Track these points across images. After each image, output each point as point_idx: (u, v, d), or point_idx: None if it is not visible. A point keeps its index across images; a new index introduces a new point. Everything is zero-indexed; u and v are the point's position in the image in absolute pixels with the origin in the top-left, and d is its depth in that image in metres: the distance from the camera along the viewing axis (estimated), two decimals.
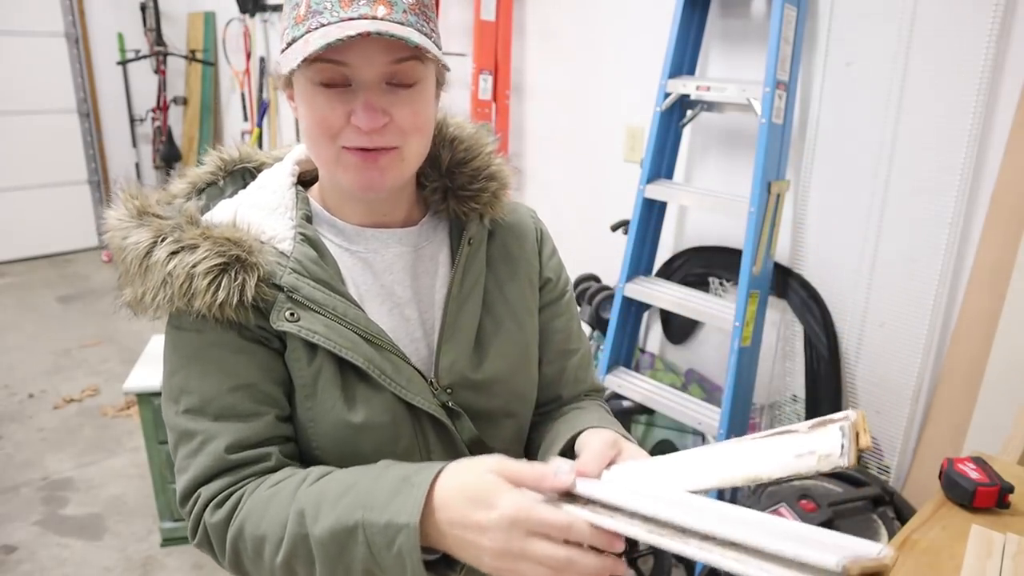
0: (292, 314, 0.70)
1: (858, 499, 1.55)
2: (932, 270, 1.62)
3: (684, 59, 1.91)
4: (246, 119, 4.43)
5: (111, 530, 2.25)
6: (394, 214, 0.80)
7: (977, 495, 1.04)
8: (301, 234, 0.74)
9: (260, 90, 4.24)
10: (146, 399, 2.03)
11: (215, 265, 0.67)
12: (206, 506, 0.70)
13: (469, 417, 0.79)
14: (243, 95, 4.39)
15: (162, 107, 4.85)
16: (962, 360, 1.59)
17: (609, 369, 2.02)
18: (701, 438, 2.05)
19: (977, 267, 1.56)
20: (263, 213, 0.75)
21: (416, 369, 0.76)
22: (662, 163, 1.97)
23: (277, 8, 3.94)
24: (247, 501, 0.68)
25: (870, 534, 1.49)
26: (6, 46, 4.50)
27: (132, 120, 5.03)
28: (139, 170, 5.12)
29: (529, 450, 0.90)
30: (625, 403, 1.95)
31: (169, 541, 2.15)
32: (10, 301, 4.15)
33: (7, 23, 4.48)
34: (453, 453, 0.78)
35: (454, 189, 0.82)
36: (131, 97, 4.98)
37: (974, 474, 1.07)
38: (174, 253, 0.67)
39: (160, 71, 4.78)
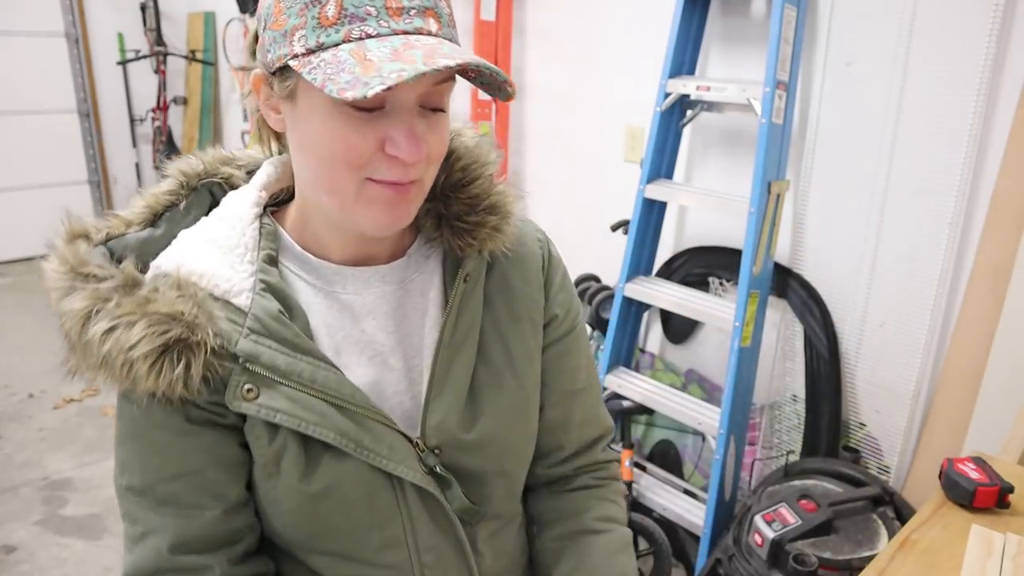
0: (250, 390, 0.62)
1: (858, 499, 1.55)
2: (932, 270, 1.62)
3: (684, 59, 1.91)
4: (246, 119, 4.43)
5: (111, 530, 2.25)
6: (383, 247, 0.71)
7: (977, 495, 1.05)
8: (262, 282, 0.64)
9: None
10: None
11: (154, 348, 0.58)
12: None
13: (458, 479, 0.71)
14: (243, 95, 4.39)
15: (162, 107, 4.85)
16: (962, 360, 1.59)
17: (609, 369, 2.02)
18: (701, 438, 2.05)
19: (977, 267, 1.56)
20: (219, 255, 0.64)
21: (399, 432, 0.67)
22: (662, 163, 1.97)
23: None
24: None
25: (870, 534, 1.49)
26: (6, 46, 4.50)
27: (132, 120, 5.03)
28: (139, 170, 5.12)
29: (529, 521, 0.84)
30: (625, 403, 1.95)
31: None
32: (10, 301, 4.15)
33: (7, 23, 4.48)
34: (441, 523, 0.71)
35: (448, 218, 0.71)
36: (131, 97, 4.98)
37: (974, 474, 1.07)
38: (109, 331, 0.58)
39: (160, 71, 4.78)
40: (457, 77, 0.62)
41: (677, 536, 2.01)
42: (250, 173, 0.75)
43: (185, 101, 4.91)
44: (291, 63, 0.57)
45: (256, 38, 0.64)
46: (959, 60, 1.52)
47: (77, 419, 2.90)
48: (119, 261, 0.64)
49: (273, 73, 0.61)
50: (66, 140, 4.87)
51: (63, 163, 4.89)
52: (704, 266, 2.07)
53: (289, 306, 0.66)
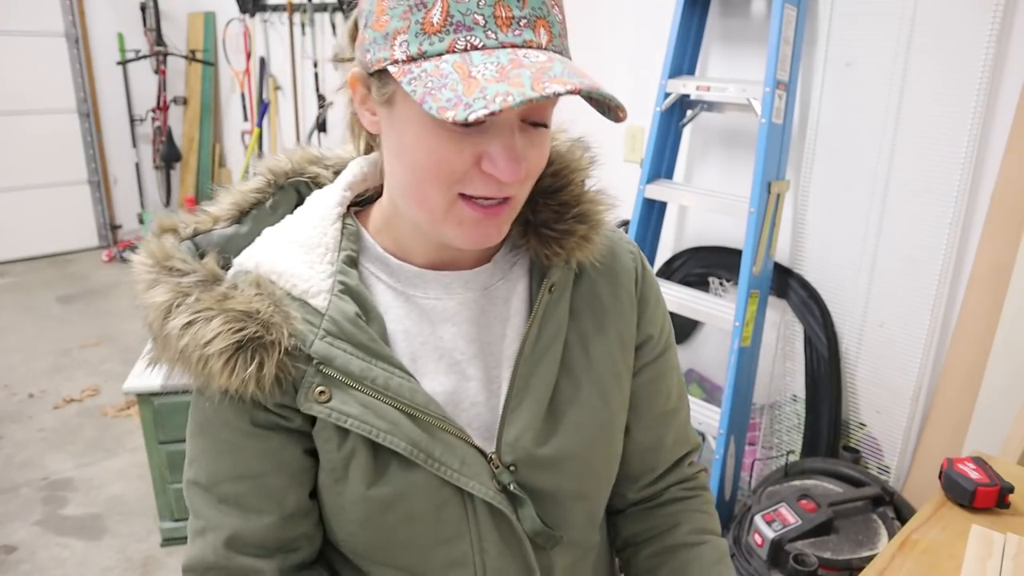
0: (322, 392, 0.61)
1: (858, 499, 1.55)
2: (932, 270, 1.62)
3: (684, 59, 1.91)
4: (246, 119, 4.43)
5: (111, 530, 2.25)
6: (468, 252, 0.68)
7: (977, 495, 1.05)
8: (341, 283, 0.63)
9: (260, 90, 4.24)
10: (146, 399, 2.03)
11: (229, 344, 0.58)
12: None
13: (532, 499, 0.67)
14: (243, 95, 4.39)
15: (162, 107, 4.85)
16: (962, 360, 1.59)
17: None
18: (701, 438, 2.05)
19: (977, 267, 1.56)
20: (299, 254, 0.64)
21: (473, 445, 0.65)
22: (662, 163, 1.97)
23: (277, 8, 3.94)
24: None
25: (870, 534, 1.49)
26: (6, 46, 4.50)
27: (132, 120, 5.03)
28: (139, 170, 5.12)
29: (621, 546, 0.81)
30: None
31: (169, 541, 2.15)
32: (10, 301, 4.15)
33: (7, 23, 4.48)
34: (511, 542, 0.67)
35: (535, 225, 0.68)
36: (131, 97, 4.98)
37: (974, 474, 1.07)
38: (188, 324, 0.59)
39: (160, 71, 4.78)
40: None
41: None
42: (337, 173, 0.73)
43: (185, 101, 4.92)
44: (391, 69, 0.55)
45: (355, 30, 0.61)
46: (959, 60, 1.52)
47: (77, 419, 2.90)
48: (204, 256, 0.64)
49: (371, 75, 0.58)
50: (66, 140, 4.87)
51: (63, 163, 4.89)
52: (704, 266, 2.07)
53: (367, 309, 0.64)
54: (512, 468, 0.66)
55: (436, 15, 0.52)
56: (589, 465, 0.70)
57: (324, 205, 0.67)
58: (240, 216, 0.69)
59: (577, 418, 0.68)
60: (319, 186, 0.72)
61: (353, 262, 0.66)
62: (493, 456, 0.65)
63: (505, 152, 0.55)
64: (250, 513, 0.64)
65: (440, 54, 0.52)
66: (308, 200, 0.69)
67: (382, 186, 0.69)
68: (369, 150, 0.73)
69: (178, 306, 0.59)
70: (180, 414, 2.04)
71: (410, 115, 0.56)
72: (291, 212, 0.70)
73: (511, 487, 0.65)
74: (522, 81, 0.50)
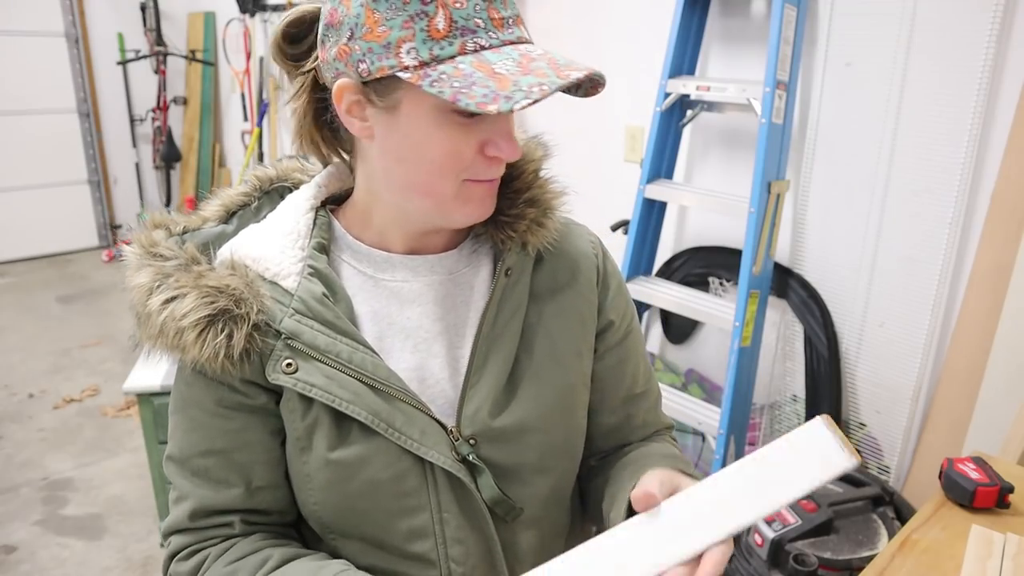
0: (289, 364, 0.65)
1: (858, 499, 1.55)
2: (932, 270, 1.62)
3: (684, 59, 1.91)
4: (246, 119, 4.43)
5: (111, 530, 2.25)
6: (438, 237, 0.73)
7: (977, 495, 1.05)
8: (310, 267, 0.69)
9: (260, 90, 4.24)
10: (146, 399, 2.03)
11: (201, 317, 0.63)
12: (173, 555, 0.71)
13: (493, 473, 0.70)
14: (243, 95, 4.39)
15: (162, 107, 4.85)
16: (962, 360, 1.59)
17: None
18: (701, 438, 2.05)
19: (977, 267, 1.56)
20: (273, 240, 0.70)
21: (433, 418, 0.68)
22: (662, 163, 1.97)
23: (277, 8, 3.94)
24: (208, 570, 0.68)
25: (870, 534, 1.49)
26: (6, 46, 4.50)
27: (132, 120, 5.03)
28: (139, 170, 5.12)
29: (589, 498, 0.82)
30: None
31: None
32: (10, 301, 4.15)
33: (7, 23, 4.48)
34: (471, 513, 0.70)
35: (493, 213, 0.72)
36: (131, 97, 4.98)
37: (974, 474, 1.07)
38: (167, 302, 0.64)
39: (160, 71, 4.78)
40: None
41: None
42: None
43: (185, 101, 4.92)
44: (401, 75, 0.58)
45: (321, 45, 0.65)
46: (959, 60, 1.52)
47: (77, 419, 2.90)
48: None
49: (367, 83, 0.62)
50: (66, 140, 4.87)
51: (63, 163, 4.89)
52: (704, 266, 2.07)
53: (334, 291, 0.69)
54: (472, 442, 0.69)
55: (440, 22, 0.57)
56: (548, 436, 0.73)
57: (298, 199, 0.73)
58: (227, 216, 0.75)
59: (534, 391, 0.72)
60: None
61: (324, 248, 0.71)
62: (453, 429, 0.69)
63: (507, 137, 0.63)
64: (219, 484, 0.69)
65: (452, 56, 0.58)
66: (286, 199, 0.75)
67: (350, 188, 0.75)
68: (326, 163, 0.78)
69: (159, 286, 0.65)
70: None
71: (418, 115, 0.61)
72: None
73: (470, 458, 0.69)
74: (545, 72, 0.57)
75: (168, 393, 2.01)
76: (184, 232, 0.72)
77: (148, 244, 0.69)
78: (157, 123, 4.92)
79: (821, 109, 1.78)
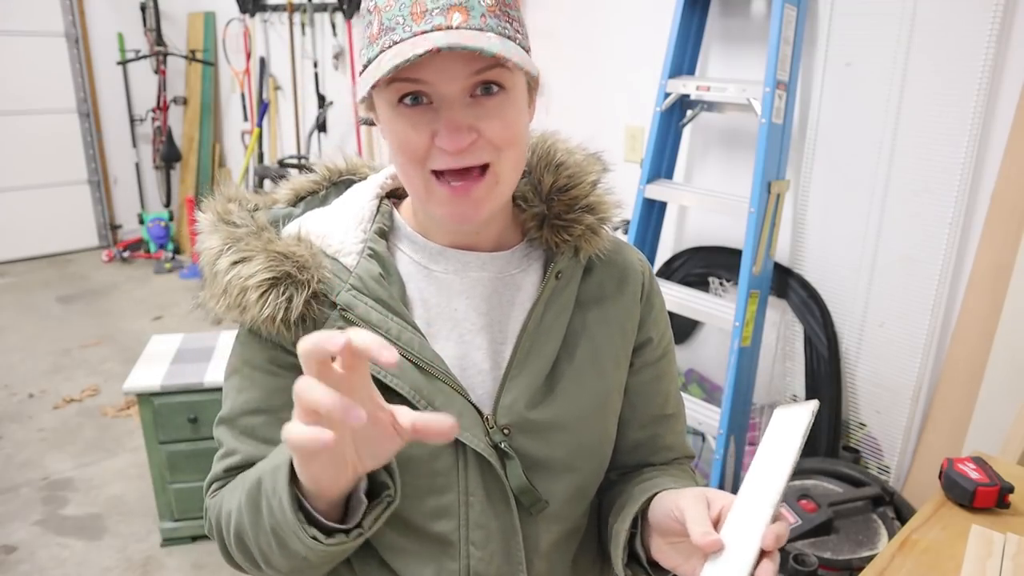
0: (341, 331, 0.67)
1: (858, 499, 1.55)
2: (932, 270, 1.62)
3: (684, 59, 1.91)
4: (246, 119, 4.43)
5: (111, 530, 2.25)
6: (485, 236, 0.75)
7: (977, 495, 1.05)
8: (370, 248, 0.72)
9: (260, 90, 4.24)
10: (146, 399, 2.03)
11: (266, 279, 0.66)
12: (206, 490, 0.75)
13: (523, 464, 0.72)
14: (243, 95, 4.39)
15: (162, 107, 4.85)
16: (962, 360, 1.60)
17: None
18: (701, 438, 2.05)
19: (977, 267, 1.56)
20: (337, 223, 0.73)
21: (471, 403, 0.70)
22: (662, 163, 1.97)
23: (277, 8, 3.94)
24: (223, 490, 0.72)
25: (870, 534, 1.49)
26: (6, 46, 4.50)
27: (132, 120, 5.03)
28: (139, 170, 5.12)
29: (600, 513, 0.83)
30: None
31: (169, 541, 2.15)
32: (10, 301, 4.15)
33: (7, 23, 4.48)
34: (496, 499, 0.72)
35: (550, 217, 0.75)
36: (131, 97, 4.98)
37: (974, 474, 1.07)
38: (235, 264, 0.67)
39: (160, 71, 4.78)
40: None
41: None
42: None
43: (185, 101, 4.92)
44: (360, 80, 0.65)
45: None
46: (959, 60, 1.52)
47: (77, 419, 2.90)
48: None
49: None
50: (66, 140, 4.87)
51: (63, 163, 4.89)
52: (704, 266, 2.07)
53: (389, 273, 0.72)
54: (506, 431, 0.71)
55: (375, 27, 0.63)
56: (579, 437, 0.75)
57: (366, 187, 0.77)
58: (296, 200, 0.79)
59: (572, 391, 0.74)
60: None
61: (383, 234, 0.74)
62: (489, 416, 0.71)
63: (447, 124, 0.62)
64: (267, 443, 0.71)
65: (377, 55, 0.62)
66: (353, 186, 0.79)
67: None
68: None
69: (229, 248, 0.69)
70: (180, 414, 2.04)
71: (382, 112, 0.66)
72: None
73: (502, 445, 0.71)
74: (424, 43, 0.58)
75: (168, 393, 2.02)
76: (255, 209, 0.75)
77: (223, 212, 0.72)
78: (157, 123, 4.92)
79: (821, 109, 1.78)
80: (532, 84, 0.70)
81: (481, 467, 0.71)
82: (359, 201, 0.75)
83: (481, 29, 0.61)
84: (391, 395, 0.67)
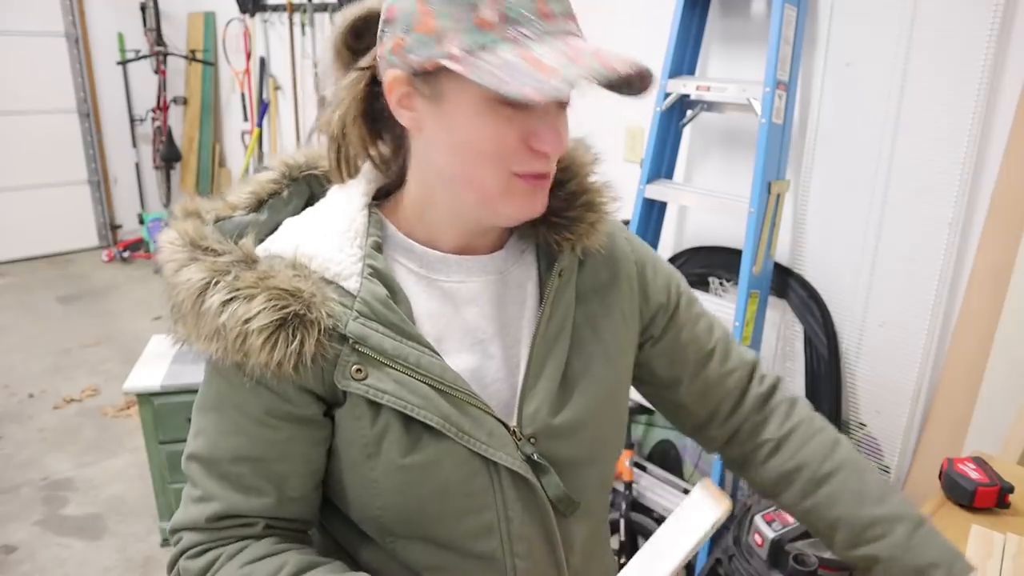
0: (359, 370, 0.63)
1: None
2: (932, 270, 1.62)
3: (684, 59, 1.91)
4: (246, 119, 4.43)
5: (111, 530, 2.25)
6: (488, 237, 0.73)
7: (977, 495, 1.05)
8: (370, 267, 0.66)
9: (260, 90, 4.24)
10: (146, 399, 2.03)
11: (271, 321, 0.60)
12: (183, 552, 0.69)
13: (555, 468, 0.71)
14: (243, 95, 4.39)
15: (162, 107, 4.85)
16: (962, 360, 1.59)
17: None
18: None
19: (977, 267, 1.56)
20: (329, 240, 0.67)
21: (498, 419, 0.68)
22: (662, 163, 1.97)
23: (277, 8, 3.94)
24: (220, 569, 0.66)
25: None
26: (6, 46, 4.50)
27: (132, 120, 5.03)
28: (139, 170, 5.12)
29: (781, 486, 0.84)
30: None
31: (169, 541, 2.15)
32: (10, 301, 4.15)
33: (7, 23, 4.48)
34: (535, 511, 0.71)
35: (546, 214, 0.72)
36: (131, 97, 4.98)
37: (974, 474, 1.07)
38: (227, 302, 0.61)
39: (160, 71, 4.78)
40: None
41: None
42: None
43: (185, 101, 4.92)
44: (449, 64, 0.59)
45: (379, 41, 0.66)
46: (959, 60, 1.52)
47: (77, 419, 2.90)
48: (239, 239, 0.67)
49: (416, 74, 0.62)
50: (66, 140, 4.88)
51: (63, 163, 4.89)
52: (704, 266, 2.06)
53: (394, 291, 0.67)
54: (532, 440, 0.70)
55: (488, 13, 0.57)
56: (599, 431, 0.75)
57: (351, 195, 0.70)
58: (258, 205, 0.72)
59: (587, 389, 0.73)
60: (329, 180, 0.75)
61: (379, 247, 0.69)
62: (515, 429, 0.69)
63: (551, 129, 0.62)
64: (249, 492, 0.67)
65: (497, 46, 0.58)
66: (330, 193, 0.73)
67: (393, 183, 0.74)
68: (355, 171, 0.75)
69: (216, 284, 0.61)
70: (180, 414, 2.04)
71: (463, 105, 0.61)
72: (304, 204, 0.74)
73: (534, 456, 0.69)
74: (590, 63, 0.56)
75: (168, 393, 2.02)
76: (216, 221, 0.69)
77: (196, 236, 0.65)
78: (157, 123, 4.92)
79: (821, 109, 1.77)
80: None
81: (515, 482, 0.69)
82: (348, 211, 0.69)
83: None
84: (417, 426, 0.65)
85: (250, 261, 0.64)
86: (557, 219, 0.73)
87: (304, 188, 0.75)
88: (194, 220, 0.67)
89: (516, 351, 0.72)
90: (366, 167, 0.74)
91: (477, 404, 0.67)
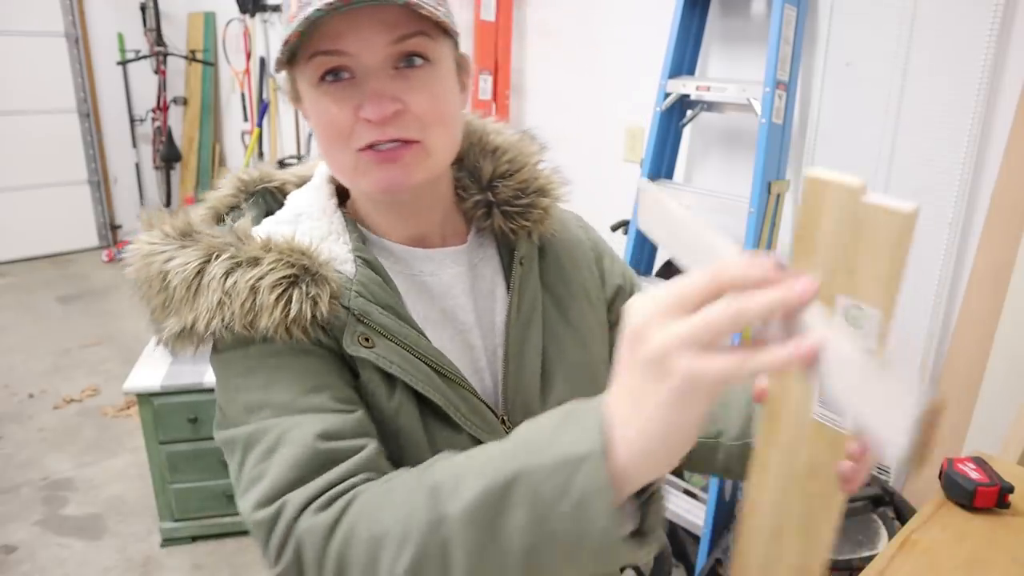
0: (367, 338, 0.63)
1: (858, 499, 1.55)
2: (932, 270, 1.62)
3: (684, 59, 1.91)
4: (246, 119, 4.43)
5: (111, 530, 2.25)
6: (432, 231, 0.73)
7: (977, 495, 1.04)
8: (360, 257, 0.67)
9: (260, 90, 4.24)
10: (146, 399, 2.03)
11: (283, 277, 0.59)
12: (302, 511, 0.54)
13: None
14: (243, 95, 4.39)
15: (162, 107, 4.85)
16: (962, 360, 1.59)
17: None
18: None
19: (977, 267, 1.56)
20: (317, 235, 0.67)
21: (489, 407, 0.69)
22: (662, 163, 1.97)
23: (277, 8, 3.94)
24: (360, 499, 0.53)
25: (870, 534, 1.49)
26: (6, 46, 4.50)
27: (132, 120, 5.03)
28: (139, 170, 5.12)
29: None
30: None
31: (169, 541, 2.15)
32: (10, 301, 4.15)
33: (7, 23, 4.48)
34: None
35: (498, 204, 0.74)
36: (131, 97, 4.98)
37: (974, 474, 1.07)
38: (231, 270, 0.59)
39: (160, 71, 4.78)
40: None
41: (677, 536, 2.01)
42: (301, 181, 0.77)
43: (185, 101, 4.92)
44: (277, 56, 0.64)
45: None
46: (959, 60, 1.52)
47: (77, 419, 2.90)
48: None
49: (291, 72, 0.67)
50: (66, 140, 4.87)
51: (63, 163, 4.89)
52: None
53: (386, 280, 0.68)
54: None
55: (293, 7, 0.60)
56: None
57: (318, 200, 0.71)
58: (218, 221, 0.72)
59: (566, 372, 0.74)
60: (284, 193, 0.76)
61: (364, 240, 0.70)
62: (503, 417, 0.70)
63: (371, 94, 0.60)
64: (336, 412, 0.60)
65: (293, 30, 0.59)
66: (291, 199, 0.72)
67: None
68: None
69: (216, 257, 0.61)
70: (180, 414, 2.04)
71: (305, 94, 0.64)
72: (262, 217, 0.73)
73: None
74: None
75: (168, 393, 2.02)
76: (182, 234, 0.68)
77: (184, 228, 0.63)
78: (157, 123, 4.92)
79: (821, 109, 1.77)
80: (462, 64, 0.68)
81: None
82: (324, 215, 0.69)
83: (405, 5, 0.58)
84: (424, 406, 0.65)
85: (248, 236, 0.63)
86: (511, 207, 0.74)
87: (260, 202, 0.75)
88: (157, 233, 0.65)
89: (492, 340, 0.73)
90: (322, 167, 0.74)
91: (469, 389, 0.68)
